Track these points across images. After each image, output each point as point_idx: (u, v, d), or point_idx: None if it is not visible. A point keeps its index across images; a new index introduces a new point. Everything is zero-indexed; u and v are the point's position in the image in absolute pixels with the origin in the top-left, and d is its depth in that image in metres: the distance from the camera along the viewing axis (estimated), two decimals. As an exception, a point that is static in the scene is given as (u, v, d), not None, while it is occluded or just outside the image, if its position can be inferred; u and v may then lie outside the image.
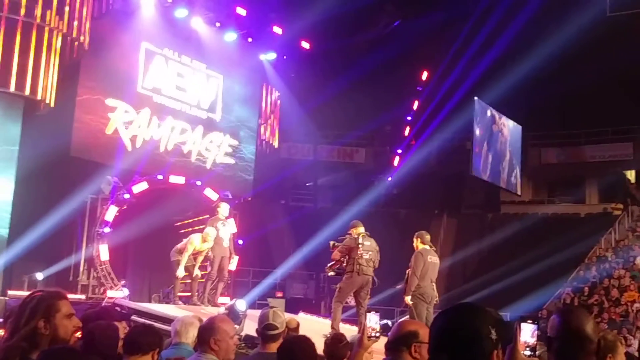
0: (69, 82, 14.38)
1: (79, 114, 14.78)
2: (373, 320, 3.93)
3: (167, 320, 8.95)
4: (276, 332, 4.78)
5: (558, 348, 2.89)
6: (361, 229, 10.20)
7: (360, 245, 9.93)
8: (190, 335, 5.03)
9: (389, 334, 3.49)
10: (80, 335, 4.05)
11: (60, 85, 13.71)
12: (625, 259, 22.41)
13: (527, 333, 3.09)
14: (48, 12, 13.17)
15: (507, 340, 2.17)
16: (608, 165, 27.32)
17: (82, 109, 14.82)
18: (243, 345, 8.33)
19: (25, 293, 4.98)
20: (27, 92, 13.04)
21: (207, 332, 4.18)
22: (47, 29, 13.22)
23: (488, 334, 2.09)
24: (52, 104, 13.56)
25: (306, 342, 4.21)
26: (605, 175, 27.45)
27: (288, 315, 6.57)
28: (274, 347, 4.75)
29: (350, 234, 10.23)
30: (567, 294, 21.28)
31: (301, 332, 7.01)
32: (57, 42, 13.51)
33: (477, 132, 25.67)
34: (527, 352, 3.02)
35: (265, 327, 4.77)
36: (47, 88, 13.32)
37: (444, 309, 2.27)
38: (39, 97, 13.19)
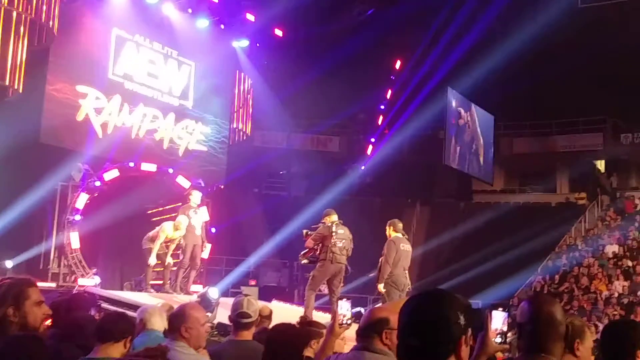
0: (38, 67, 14.15)
1: (49, 100, 14.55)
2: (344, 308, 3.93)
3: (139, 308, 8.89)
4: (249, 320, 4.77)
5: (529, 333, 2.92)
6: (335, 217, 10.21)
7: (333, 234, 9.94)
8: (156, 322, 5.03)
9: (360, 320, 3.50)
10: (51, 323, 4.01)
11: (29, 71, 13.46)
12: (595, 248, 22.73)
13: (499, 320, 3.11)
14: (16, -4, 12.92)
15: (476, 327, 2.18)
16: (578, 155, 27.65)
17: (52, 95, 14.59)
18: (215, 332, 8.31)
19: (-7, 281, 4.89)
20: (-5, 77, 12.81)
21: (178, 320, 4.15)
22: (14, 13, 12.92)
23: (456, 320, 2.10)
24: (21, 90, 13.32)
25: (293, 331, 4.21)
26: (576, 165, 27.80)
27: (261, 303, 6.56)
28: (246, 334, 4.75)
29: (324, 222, 10.23)
30: (538, 281, 21.55)
31: (274, 320, 7.00)
32: (25, 27, 13.24)
33: (450, 121, 25.85)
34: (498, 340, 3.04)
35: (238, 315, 4.76)
36: (15, 73, 13.07)
37: (413, 295, 2.27)
38: (7, 82, 12.94)
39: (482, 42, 23.14)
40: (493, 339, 3.02)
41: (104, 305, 9.62)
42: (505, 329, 3.13)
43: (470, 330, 2.13)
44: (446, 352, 2.10)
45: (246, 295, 5.22)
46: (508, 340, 3.15)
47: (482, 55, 22.54)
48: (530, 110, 27.81)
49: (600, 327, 16.71)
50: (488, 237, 22.47)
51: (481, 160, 27.79)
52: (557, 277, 21.59)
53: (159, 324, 5.12)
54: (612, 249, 22.35)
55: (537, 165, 29.46)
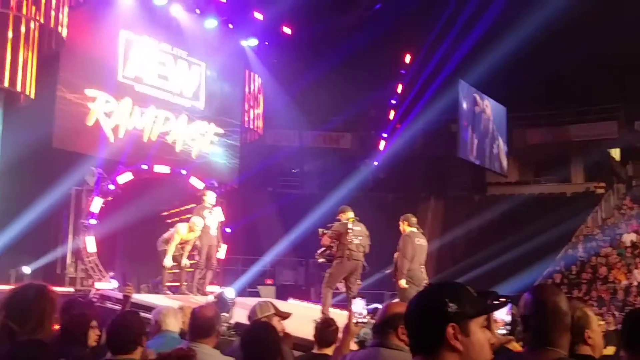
0: (49, 73, 14.17)
1: (60, 105, 14.56)
2: (359, 306, 3.91)
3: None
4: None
5: (534, 325, 2.84)
6: (350, 214, 10.16)
7: (350, 231, 9.89)
8: (171, 322, 5.02)
9: (376, 316, 3.46)
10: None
11: (40, 77, 13.49)
12: (612, 237, 22.54)
13: (502, 311, 3.05)
14: (24, 3, 12.94)
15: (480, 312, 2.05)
16: (593, 144, 27.45)
17: (63, 99, 14.59)
18: (233, 332, 8.31)
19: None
20: (6, 84, 12.83)
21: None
22: (23, 19, 12.97)
23: (441, 307, 1.96)
24: (32, 96, 13.37)
25: (269, 328, 4.16)
26: (591, 154, 27.58)
27: (277, 302, 6.55)
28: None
29: (339, 219, 10.19)
30: (556, 272, 21.40)
31: (291, 318, 6.96)
32: (35, 33, 13.29)
33: (463, 114, 25.72)
34: (502, 331, 3.00)
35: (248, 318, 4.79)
36: (27, 79, 13.11)
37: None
38: (18, 88, 12.99)
39: (491, 33, 22.94)
40: (496, 330, 2.98)
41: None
42: (509, 319, 3.09)
43: (472, 316, 1.97)
44: (429, 343, 1.97)
45: (261, 301, 5.28)
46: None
47: (492, 46, 22.36)
48: (543, 100, 27.63)
49: (619, 316, 16.58)
50: (504, 229, 22.36)
51: (495, 152, 27.63)
52: (574, 267, 21.44)
53: (174, 324, 5.11)
54: (629, 237, 22.14)
55: (551, 156, 29.26)
